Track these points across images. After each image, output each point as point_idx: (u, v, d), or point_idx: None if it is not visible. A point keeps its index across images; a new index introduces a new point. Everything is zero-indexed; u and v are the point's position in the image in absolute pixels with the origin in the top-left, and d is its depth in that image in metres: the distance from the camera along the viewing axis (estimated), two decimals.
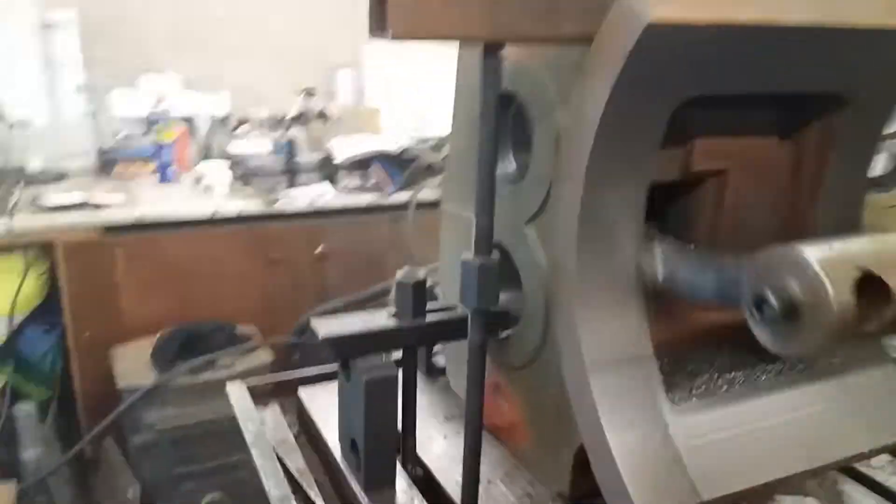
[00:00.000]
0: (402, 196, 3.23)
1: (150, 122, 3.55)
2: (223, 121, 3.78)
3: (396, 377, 1.11)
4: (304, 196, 3.25)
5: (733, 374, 1.05)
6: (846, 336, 0.73)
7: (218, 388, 1.49)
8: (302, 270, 3.20)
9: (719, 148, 1.06)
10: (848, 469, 1.21)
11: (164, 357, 2.67)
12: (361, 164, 3.43)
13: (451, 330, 1.19)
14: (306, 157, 3.43)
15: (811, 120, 1.09)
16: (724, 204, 1.09)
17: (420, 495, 1.13)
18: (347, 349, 1.11)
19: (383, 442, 1.12)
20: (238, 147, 3.48)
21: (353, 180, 3.41)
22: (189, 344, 2.75)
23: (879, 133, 1.12)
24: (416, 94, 3.93)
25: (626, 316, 0.97)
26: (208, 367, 2.67)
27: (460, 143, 1.33)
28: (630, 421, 0.93)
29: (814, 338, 0.72)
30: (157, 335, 2.78)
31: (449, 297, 1.38)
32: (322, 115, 3.66)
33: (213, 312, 2.98)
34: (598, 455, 0.93)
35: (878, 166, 2.47)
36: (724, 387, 1.03)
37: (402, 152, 3.43)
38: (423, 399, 1.40)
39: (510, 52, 0.99)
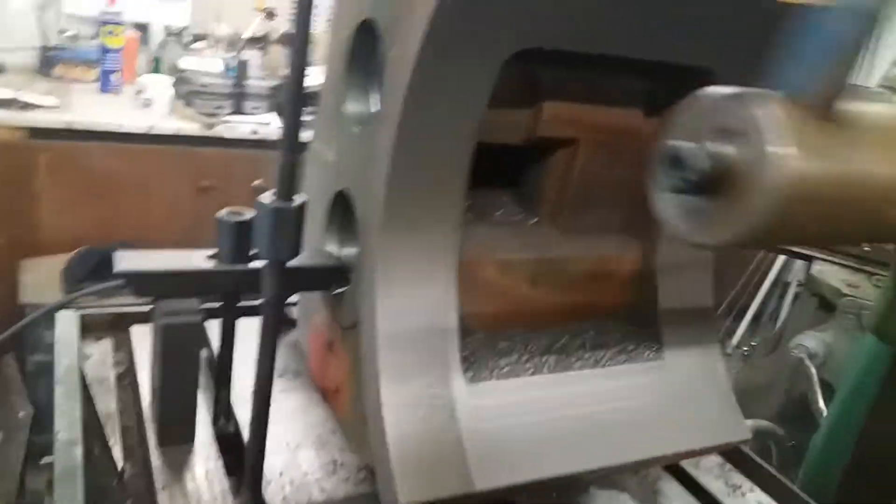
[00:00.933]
0: None
1: (100, 24, 3.36)
2: (179, 33, 3.60)
3: (199, 324, 1.02)
4: (248, 124, 3.12)
5: (546, 357, 0.96)
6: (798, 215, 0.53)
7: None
8: (236, 201, 3.07)
9: (570, 114, 0.95)
10: (673, 468, 1.14)
11: (75, 276, 2.58)
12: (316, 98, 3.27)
13: (294, 280, 1.09)
14: (257, 82, 3.28)
15: (680, 95, 0.97)
16: (572, 176, 0.99)
17: (218, 453, 1.05)
18: (149, 288, 1.02)
19: (181, 394, 1.04)
20: (188, 63, 3.32)
21: (304, 115, 3.26)
22: (105, 266, 2.64)
23: None
24: None
25: (431, 284, 0.88)
26: (118, 293, 2.58)
27: (328, 75, 1.21)
28: (413, 398, 0.85)
29: (753, 213, 0.50)
30: (73, 253, 2.68)
31: (311, 242, 1.29)
32: (283, 40, 3.49)
33: (135, 235, 2.87)
34: (374, 432, 0.85)
35: None
36: (531, 370, 0.94)
37: None
38: None
39: None
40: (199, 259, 1.06)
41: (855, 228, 0.59)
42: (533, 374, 0.94)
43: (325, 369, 1.18)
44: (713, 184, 0.53)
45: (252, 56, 3.35)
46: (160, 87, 3.17)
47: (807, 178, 0.51)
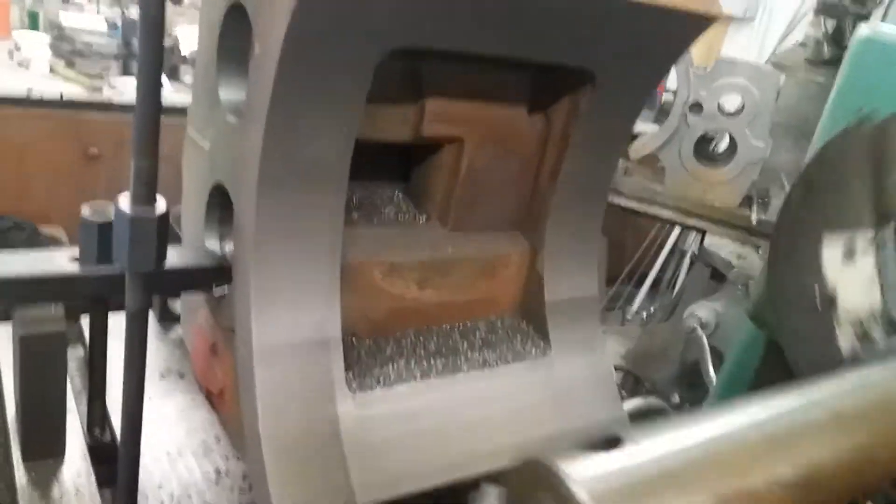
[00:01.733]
0: None
1: None
2: None
3: (61, 333, 0.94)
4: None
5: (434, 360, 0.95)
6: None
7: None
8: (126, 171, 2.89)
9: (454, 112, 0.92)
10: None
11: None
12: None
13: (167, 283, 1.02)
14: None
15: (561, 94, 0.97)
16: (460, 173, 0.97)
17: (89, 466, 0.99)
18: (6, 294, 0.93)
19: (46, 406, 0.96)
20: (68, 20, 3.05)
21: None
22: None
23: (627, 117, 1.01)
24: None
25: (313, 292, 0.84)
26: None
27: (199, 57, 1.13)
28: (293, 414, 0.82)
29: None
30: None
31: (190, 237, 1.21)
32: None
33: (14, 207, 2.66)
34: (251, 448, 0.82)
35: (721, 144, 2.48)
36: (419, 374, 0.93)
37: None
38: (148, 350, 1.25)
39: None
40: (61, 260, 0.97)
41: None
42: (421, 378, 0.92)
43: (210, 371, 1.12)
44: None
45: None
46: (37, 45, 2.91)
47: None
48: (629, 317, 3.72)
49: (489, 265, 1.05)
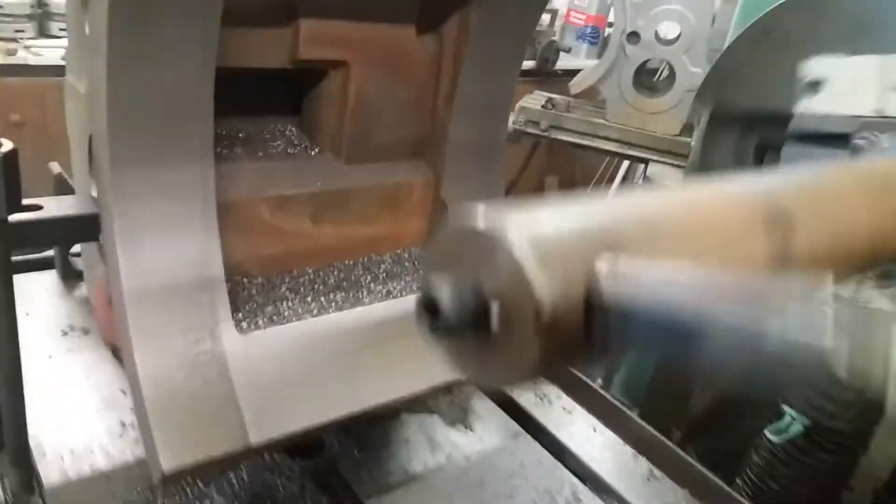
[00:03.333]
0: None
1: None
2: None
3: None
4: (57, 48, 2.77)
5: (334, 294, 0.92)
6: (565, 358, 0.50)
7: None
8: (52, 137, 2.76)
9: (333, 33, 0.87)
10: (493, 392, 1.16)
11: None
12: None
13: (35, 234, 0.97)
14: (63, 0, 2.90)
15: (450, 10, 0.92)
16: (348, 100, 0.92)
17: None
18: None
19: None
20: None
21: None
22: None
23: (521, 30, 0.97)
24: None
25: (185, 231, 0.80)
26: None
27: None
28: (174, 358, 0.78)
29: (516, 361, 0.44)
30: None
31: (80, 189, 1.15)
32: None
33: None
34: (134, 399, 0.78)
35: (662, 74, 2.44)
36: (316, 310, 0.90)
37: None
38: (50, 308, 1.21)
39: None
40: None
41: None
42: (319, 313, 0.89)
43: (111, 323, 1.08)
44: (480, 324, 0.45)
45: None
46: None
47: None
48: None
49: (390, 196, 1.01)
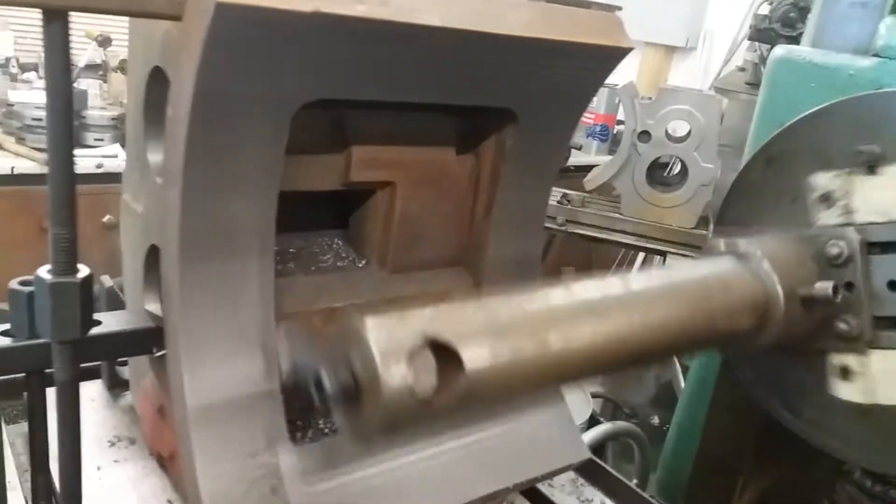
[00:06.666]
0: None
1: None
2: (5, 64, 3.30)
3: None
4: (91, 157, 2.91)
5: None
6: (414, 414, 0.63)
7: None
8: (85, 242, 2.85)
9: (381, 157, 0.93)
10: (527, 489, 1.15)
11: None
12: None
13: (97, 349, 1.00)
14: (98, 112, 3.06)
15: (487, 134, 0.99)
16: (394, 216, 0.97)
17: None
18: None
19: None
20: (17, 96, 3.05)
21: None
22: None
23: (553, 151, 1.03)
24: None
25: (246, 347, 0.83)
26: None
27: (129, 122, 1.13)
28: (234, 472, 0.80)
29: (374, 418, 0.62)
30: None
31: (132, 302, 1.19)
32: (122, 68, 3.28)
33: None
34: None
35: (675, 168, 2.53)
36: None
37: None
38: (97, 418, 1.22)
39: (165, 24, 0.82)
40: None
41: None
42: None
43: (159, 434, 1.09)
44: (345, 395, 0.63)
45: (90, 85, 3.13)
46: None
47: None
48: None
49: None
